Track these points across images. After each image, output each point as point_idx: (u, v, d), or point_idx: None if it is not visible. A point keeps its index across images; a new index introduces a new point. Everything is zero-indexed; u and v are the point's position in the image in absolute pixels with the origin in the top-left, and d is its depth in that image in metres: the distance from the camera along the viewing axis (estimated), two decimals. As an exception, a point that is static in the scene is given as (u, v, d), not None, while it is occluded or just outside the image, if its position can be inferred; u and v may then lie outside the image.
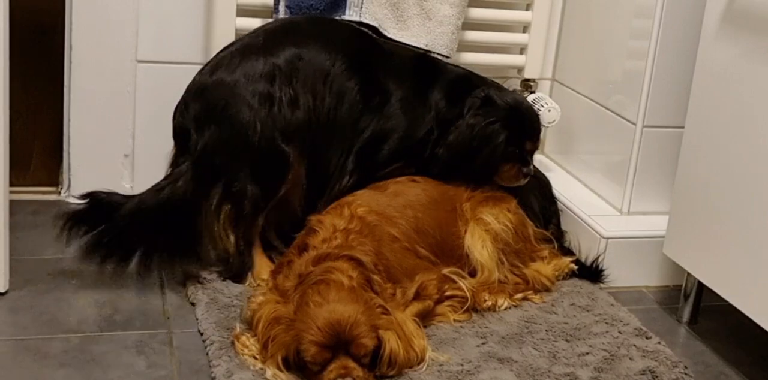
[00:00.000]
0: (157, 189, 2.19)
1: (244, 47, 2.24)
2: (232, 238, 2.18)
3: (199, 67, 2.55)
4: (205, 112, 2.18)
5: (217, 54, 2.29)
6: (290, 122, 2.17)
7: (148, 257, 2.13)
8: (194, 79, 2.25)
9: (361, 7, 2.45)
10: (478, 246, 2.18)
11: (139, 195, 2.20)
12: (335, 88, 2.22)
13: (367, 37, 2.39)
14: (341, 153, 2.25)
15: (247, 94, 2.15)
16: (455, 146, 2.25)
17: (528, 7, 2.71)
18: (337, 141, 2.25)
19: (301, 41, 2.24)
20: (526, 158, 2.31)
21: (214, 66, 2.23)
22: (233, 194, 2.15)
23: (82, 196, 2.17)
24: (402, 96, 2.29)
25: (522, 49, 2.74)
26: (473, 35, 2.66)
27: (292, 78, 2.19)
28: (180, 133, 2.22)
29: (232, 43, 2.31)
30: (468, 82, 2.35)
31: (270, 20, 2.46)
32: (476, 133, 2.24)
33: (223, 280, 2.18)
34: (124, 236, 2.13)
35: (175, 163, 2.23)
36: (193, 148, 2.17)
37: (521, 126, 2.29)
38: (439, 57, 2.48)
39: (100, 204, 2.16)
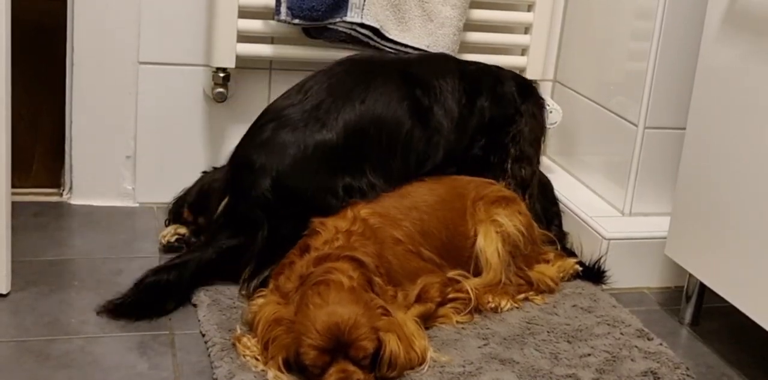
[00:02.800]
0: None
1: (307, 119, 2.18)
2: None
3: (201, 69, 2.58)
4: (284, 201, 2.12)
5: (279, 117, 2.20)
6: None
7: None
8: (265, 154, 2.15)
9: (363, 9, 2.45)
10: (491, 248, 2.17)
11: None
12: (401, 150, 2.25)
13: (411, 76, 2.32)
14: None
15: (333, 185, 2.14)
16: (535, 139, 2.43)
17: (529, 9, 2.71)
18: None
19: (359, 112, 2.21)
20: None
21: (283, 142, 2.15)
22: None
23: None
24: (456, 118, 2.33)
25: (523, 51, 2.74)
26: (475, 36, 2.66)
27: (363, 163, 2.19)
28: (247, 210, 2.13)
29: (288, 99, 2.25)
30: (483, 72, 2.45)
31: (271, 22, 2.46)
32: (540, 119, 2.46)
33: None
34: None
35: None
36: (261, 240, 2.11)
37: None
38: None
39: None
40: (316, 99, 2.20)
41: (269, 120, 2.20)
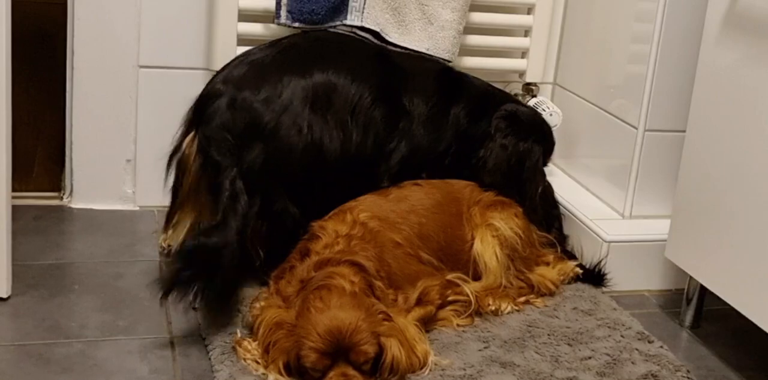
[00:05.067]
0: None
1: (281, 61, 2.23)
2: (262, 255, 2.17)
3: (201, 72, 2.58)
4: (252, 128, 2.15)
5: (246, 58, 2.26)
6: (328, 150, 2.19)
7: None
8: (233, 87, 2.18)
9: (363, 12, 2.45)
10: (489, 252, 2.18)
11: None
12: (362, 121, 2.25)
13: (389, 59, 2.39)
14: (376, 178, 2.28)
15: (298, 118, 2.17)
16: (496, 170, 2.34)
17: (529, 11, 2.71)
18: (369, 169, 2.27)
19: (330, 65, 2.24)
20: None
21: (256, 77, 2.19)
22: (273, 213, 2.15)
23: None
24: (425, 114, 2.33)
25: (523, 53, 2.74)
26: (475, 39, 2.66)
27: (326, 108, 2.21)
28: (216, 133, 2.14)
29: (259, 49, 2.29)
30: (491, 98, 2.43)
31: (271, 25, 2.46)
32: (511, 152, 2.35)
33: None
34: None
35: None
36: (234, 163, 2.11)
37: (544, 141, 2.43)
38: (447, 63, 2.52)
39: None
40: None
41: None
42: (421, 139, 2.32)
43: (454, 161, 2.37)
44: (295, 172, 2.17)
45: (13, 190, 2.13)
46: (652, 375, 1.94)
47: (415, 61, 2.45)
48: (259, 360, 1.83)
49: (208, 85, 2.26)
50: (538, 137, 2.41)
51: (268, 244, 2.15)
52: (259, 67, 2.22)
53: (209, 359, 1.89)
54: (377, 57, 2.37)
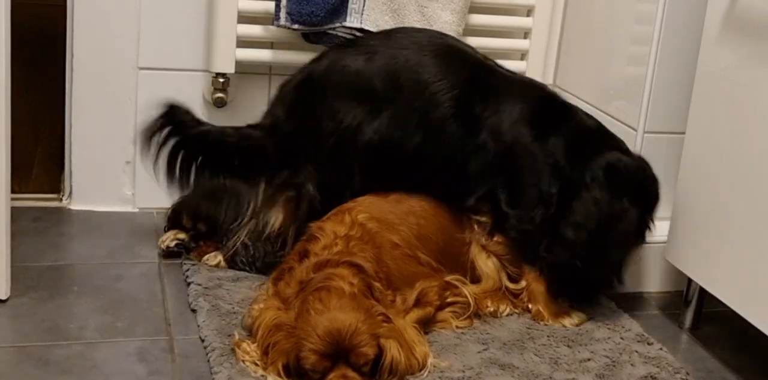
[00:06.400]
0: (243, 134, 2.28)
1: (364, 49, 2.25)
2: (274, 222, 2.21)
3: (201, 74, 2.58)
4: (298, 103, 2.24)
5: (357, 43, 2.33)
6: (369, 141, 2.18)
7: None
8: (317, 61, 2.29)
9: (362, 14, 2.45)
10: (484, 256, 2.18)
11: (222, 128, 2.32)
12: (427, 124, 2.17)
13: (487, 69, 2.26)
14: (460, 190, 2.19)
15: (340, 105, 2.18)
16: (584, 225, 2.09)
17: (529, 13, 2.71)
18: (439, 176, 2.20)
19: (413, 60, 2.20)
20: (643, 229, 2.18)
21: (335, 57, 2.26)
22: (295, 185, 2.20)
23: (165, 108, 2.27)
24: (522, 141, 2.15)
25: (523, 55, 2.74)
26: (474, 41, 2.64)
27: (388, 100, 2.18)
28: (282, 97, 2.29)
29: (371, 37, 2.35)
30: (593, 138, 2.19)
31: (271, 27, 2.46)
32: (604, 210, 2.08)
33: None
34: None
35: (270, 114, 2.30)
36: (274, 125, 2.25)
37: (645, 199, 2.15)
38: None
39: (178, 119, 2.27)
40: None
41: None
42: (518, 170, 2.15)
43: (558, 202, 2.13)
44: (322, 156, 2.20)
45: (13, 191, 2.13)
46: (651, 377, 1.94)
47: (516, 79, 2.28)
48: (258, 362, 1.83)
49: None
50: (638, 197, 2.12)
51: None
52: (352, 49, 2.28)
53: (208, 361, 1.89)
54: (475, 65, 2.26)
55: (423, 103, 2.17)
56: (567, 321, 2.14)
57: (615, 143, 2.20)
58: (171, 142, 2.27)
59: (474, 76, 2.22)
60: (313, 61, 2.31)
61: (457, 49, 2.28)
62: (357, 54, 2.24)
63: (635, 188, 2.13)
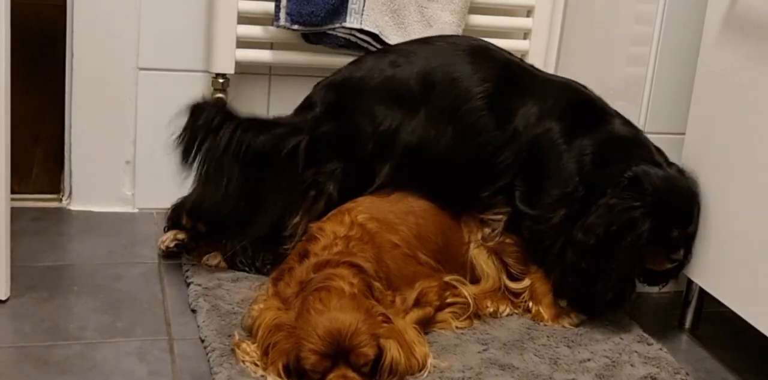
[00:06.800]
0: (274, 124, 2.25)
1: (403, 53, 2.26)
2: (294, 219, 2.21)
3: (200, 74, 2.58)
4: (335, 104, 2.23)
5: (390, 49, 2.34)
6: (407, 145, 2.18)
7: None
8: (356, 64, 2.29)
9: (362, 15, 2.45)
10: (484, 256, 2.18)
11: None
12: (461, 123, 2.17)
13: (519, 67, 2.26)
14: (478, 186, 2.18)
15: (379, 109, 2.18)
16: (593, 229, 2.04)
17: (529, 14, 2.71)
18: (457, 177, 2.19)
19: (452, 68, 2.21)
20: (673, 244, 2.09)
21: (374, 61, 2.26)
22: (317, 184, 2.20)
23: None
24: (549, 136, 2.13)
25: (523, 56, 2.73)
26: (474, 42, 2.66)
27: (426, 101, 2.18)
28: (319, 97, 2.27)
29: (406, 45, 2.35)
30: (624, 145, 2.13)
31: (271, 28, 2.46)
32: (615, 216, 2.03)
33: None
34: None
35: (305, 112, 2.27)
36: (312, 122, 2.23)
37: (668, 213, 2.06)
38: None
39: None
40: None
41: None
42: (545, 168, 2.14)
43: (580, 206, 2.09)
44: (352, 159, 2.21)
45: (12, 191, 2.13)
46: (651, 377, 1.94)
47: (554, 78, 2.28)
48: (258, 363, 1.83)
49: None
50: (657, 210, 2.03)
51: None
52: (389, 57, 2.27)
53: (208, 361, 1.89)
54: (508, 63, 2.26)
55: (455, 98, 2.18)
56: (566, 322, 2.14)
57: (646, 153, 2.12)
58: (224, 127, 2.22)
59: (507, 72, 2.22)
60: (352, 63, 2.31)
61: (490, 49, 2.28)
62: (395, 58, 2.25)
63: (656, 201, 2.04)
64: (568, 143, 2.13)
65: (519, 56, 2.73)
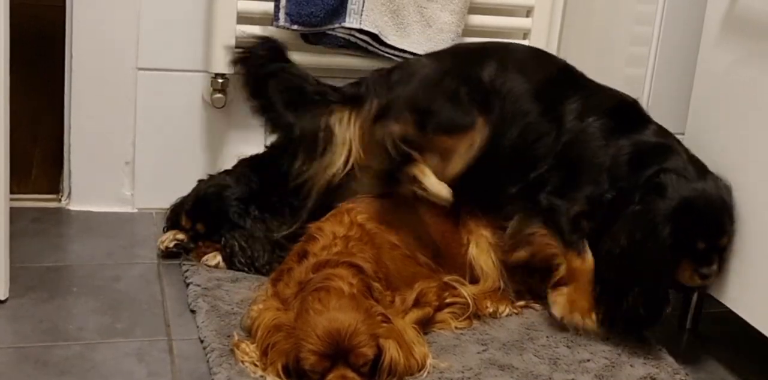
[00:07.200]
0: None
1: (457, 52, 2.29)
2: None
3: (200, 74, 2.58)
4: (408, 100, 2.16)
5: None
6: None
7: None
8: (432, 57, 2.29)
9: (361, 15, 2.45)
10: (484, 256, 2.18)
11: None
12: (507, 116, 2.16)
13: (577, 72, 2.27)
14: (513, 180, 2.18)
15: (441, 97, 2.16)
16: (618, 237, 2.01)
17: (528, 14, 2.71)
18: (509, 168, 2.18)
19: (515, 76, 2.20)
20: (700, 257, 2.01)
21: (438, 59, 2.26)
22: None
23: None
24: (589, 131, 2.14)
25: (522, 56, 2.74)
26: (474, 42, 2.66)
27: (493, 102, 2.16)
28: (377, 78, 2.24)
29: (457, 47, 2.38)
30: (662, 152, 2.09)
31: (270, 28, 2.46)
32: (638, 223, 1.99)
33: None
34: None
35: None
36: (369, 108, 2.18)
37: (692, 222, 1.99)
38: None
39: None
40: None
41: None
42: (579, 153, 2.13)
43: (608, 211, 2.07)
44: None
45: (12, 192, 2.12)
46: (650, 377, 1.94)
47: (602, 85, 2.27)
48: (258, 363, 1.83)
49: None
50: (678, 217, 1.98)
51: None
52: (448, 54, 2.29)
53: (207, 362, 1.88)
54: (563, 66, 2.28)
55: (507, 92, 2.17)
56: (579, 320, 2.07)
57: (680, 162, 2.06)
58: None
59: (563, 72, 2.24)
60: (415, 60, 2.31)
61: (549, 54, 2.36)
62: (437, 60, 2.25)
63: (678, 207, 1.98)
64: (606, 140, 2.12)
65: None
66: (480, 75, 2.18)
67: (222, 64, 2.48)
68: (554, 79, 2.22)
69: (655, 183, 2.02)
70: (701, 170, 2.06)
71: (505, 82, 2.18)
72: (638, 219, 2.00)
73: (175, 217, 2.38)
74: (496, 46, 2.36)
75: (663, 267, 2.00)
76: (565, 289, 2.11)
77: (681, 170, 2.04)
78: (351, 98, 2.21)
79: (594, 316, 2.07)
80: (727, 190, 2.03)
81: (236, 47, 2.36)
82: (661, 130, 2.15)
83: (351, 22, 2.45)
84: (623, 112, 2.17)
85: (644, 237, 1.98)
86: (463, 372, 1.89)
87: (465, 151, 2.13)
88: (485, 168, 2.15)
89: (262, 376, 1.81)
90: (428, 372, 1.86)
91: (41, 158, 2.66)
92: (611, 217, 2.04)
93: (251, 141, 2.60)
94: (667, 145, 2.11)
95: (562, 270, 2.11)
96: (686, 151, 2.10)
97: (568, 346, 2.04)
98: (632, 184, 2.05)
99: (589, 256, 2.08)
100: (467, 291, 2.11)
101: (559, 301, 2.11)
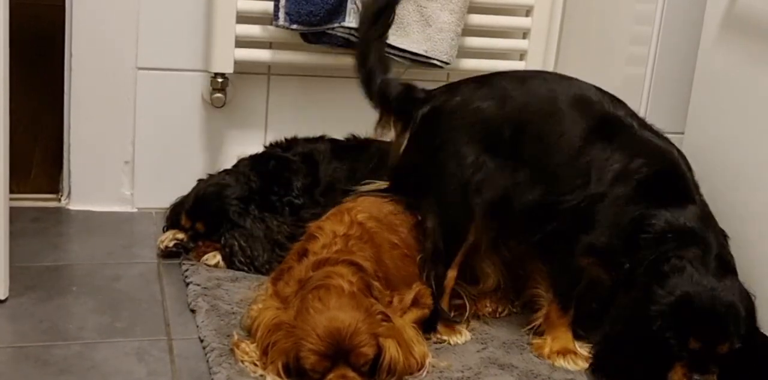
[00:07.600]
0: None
1: (498, 92, 2.08)
2: None
3: (199, 74, 2.58)
4: (426, 140, 2.09)
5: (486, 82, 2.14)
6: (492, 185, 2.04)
7: None
8: (449, 93, 2.12)
9: (361, 14, 2.45)
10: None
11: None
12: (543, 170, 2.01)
13: (620, 125, 2.03)
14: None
15: (467, 151, 2.03)
16: (614, 321, 1.90)
17: (528, 14, 2.71)
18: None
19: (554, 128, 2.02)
20: (695, 361, 1.79)
21: (468, 95, 2.09)
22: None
23: None
24: (615, 193, 1.95)
25: (522, 55, 2.74)
26: (473, 41, 2.66)
27: (518, 148, 2.03)
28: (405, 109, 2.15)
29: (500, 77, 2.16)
30: (688, 238, 1.88)
31: (270, 27, 2.47)
32: (631, 311, 1.86)
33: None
34: None
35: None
36: (403, 155, 2.14)
37: (687, 321, 1.79)
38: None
39: None
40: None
41: None
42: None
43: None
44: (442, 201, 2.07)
45: (11, 191, 2.12)
46: (650, 376, 1.93)
47: (644, 136, 2.02)
48: (258, 362, 1.83)
49: None
50: (673, 313, 1.80)
51: None
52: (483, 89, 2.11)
53: (207, 361, 1.88)
54: (603, 116, 2.04)
55: (544, 152, 2.02)
56: (563, 362, 1.98)
57: (702, 253, 1.86)
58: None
59: (603, 128, 2.01)
60: (446, 92, 2.12)
61: (592, 101, 2.06)
62: (490, 97, 2.06)
63: (676, 303, 1.80)
64: (631, 210, 1.93)
65: (518, 56, 2.75)
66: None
67: (222, 63, 2.49)
68: (592, 138, 2.00)
69: (662, 271, 1.84)
70: (724, 269, 1.86)
71: (540, 143, 2.03)
72: (634, 307, 1.86)
73: (174, 217, 2.38)
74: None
75: (652, 363, 1.83)
76: (547, 339, 2.04)
77: (696, 262, 1.84)
78: None
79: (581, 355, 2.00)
80: (745, 296, 1.84)
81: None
82: (699, 212, 1.93)
83: (350, 21, 2.45)
84: (661, 182, 1.96)
85: (636, 328, 1.84)
86: (462, 372, 1.89)
87: None
88: (509, 221, 2.07)
89: (262, 375, 1.81)
90: (428, 372, 1.86)
91: (41, 158, 2.66)
92: (617, 293, 1.92)
93: (251, 140, 2.60)
94: (695, 231, 1.89)
95: (541, 314, 2.05)
96: (723, 246, 1.91)
97: (567, 345, 2.04)
98: (642, 264, 1.89)
99: (570, 313, 2.02)
100: (466, 291, 2.11)
101: (542, 347, 2.03)
